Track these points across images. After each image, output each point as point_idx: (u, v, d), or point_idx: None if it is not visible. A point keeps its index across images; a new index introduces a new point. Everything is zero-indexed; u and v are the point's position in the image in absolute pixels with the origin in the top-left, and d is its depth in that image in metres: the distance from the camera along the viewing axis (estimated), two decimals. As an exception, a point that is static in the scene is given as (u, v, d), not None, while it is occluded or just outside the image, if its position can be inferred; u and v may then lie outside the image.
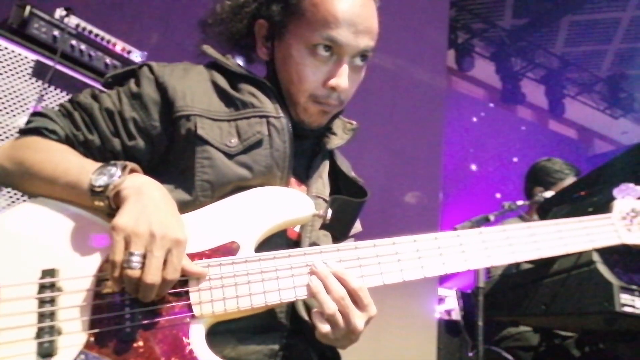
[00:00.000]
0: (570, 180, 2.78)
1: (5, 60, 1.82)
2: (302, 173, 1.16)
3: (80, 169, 0.91)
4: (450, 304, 5.10)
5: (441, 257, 1.00)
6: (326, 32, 1.03)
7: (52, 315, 0.82)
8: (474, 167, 8.49)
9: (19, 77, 1.84)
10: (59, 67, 1.93)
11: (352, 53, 1.07)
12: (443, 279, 5.70)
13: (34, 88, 1.87)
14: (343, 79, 1.06)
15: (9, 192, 1.75)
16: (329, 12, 1.03)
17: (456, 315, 4.25)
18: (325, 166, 1.20)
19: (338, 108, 1.13)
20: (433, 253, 1.00)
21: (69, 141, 1.02)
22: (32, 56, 1.88)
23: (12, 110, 1.82)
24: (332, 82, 1.06)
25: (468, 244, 1.03)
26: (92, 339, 0.82)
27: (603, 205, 1.85)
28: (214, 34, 1.18)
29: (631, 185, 1.31)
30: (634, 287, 1.65)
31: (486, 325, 2.01)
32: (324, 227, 1.08)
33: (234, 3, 1.16)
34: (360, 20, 1.05)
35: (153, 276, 0.81)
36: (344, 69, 1.06)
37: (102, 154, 1.02)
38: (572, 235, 1.13)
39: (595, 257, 1.71)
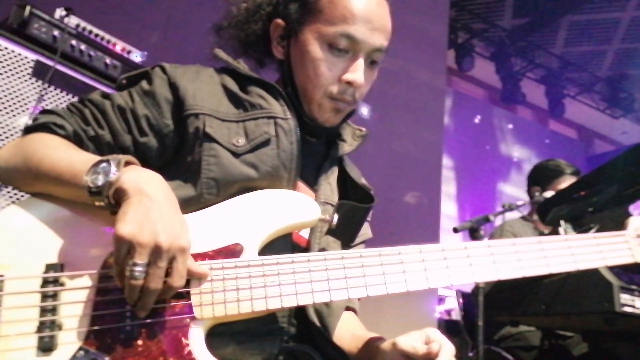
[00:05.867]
0: (567, 177, 2.78)
1: (5, 60, 1.82)
2: (311, 178, 1.16)
3: (72, 168, 0.89)
4: (450, 304, 5.11)
5: (447, 270, 0.98)
6: (343, 28, 1.06)
7: (54, 310, 0.82)
8: (473, 167, 8.48)
9: (19, 77, 1.84)
10: (59, 67, 1.93)
11: (367, 50, 1.09)
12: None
13: (34, 88, 1.87)
14: (359, 74, 1.08)
15: (9, 192, 1.75)
16: (346, 8, 1.06)
17: (456, 315, 4.25)
18: (334, 172, 1.21)
19: (351, 106, 1.15)
20: (439, 265, 0.98)
21: (77, 137, 1.01)
22: (32, 56, 1.88)
23: (12, 110, 1.81)
24: (349, 76, 1.08)
25: (475, 256, 1.01)
26: (92, 335, 0.82)
27: (603, 206, 1.86)
28: (228, 36, 1.20)
29: None
30: (634, 287, 1.64)
31: (486, 325, 2.01)
32: (330, 232, 1.08)
33: (251, 5, 1.18)
34: (376, 18, 1.08)
35: (156, 284, 0.81)
36: (360, 63, 1.08)
37: (112, 150, 1.02)
38: (584, 252, 1.10)
39: (596, 257, 1.71)
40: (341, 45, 1.07)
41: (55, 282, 0.84)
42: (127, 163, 0.89)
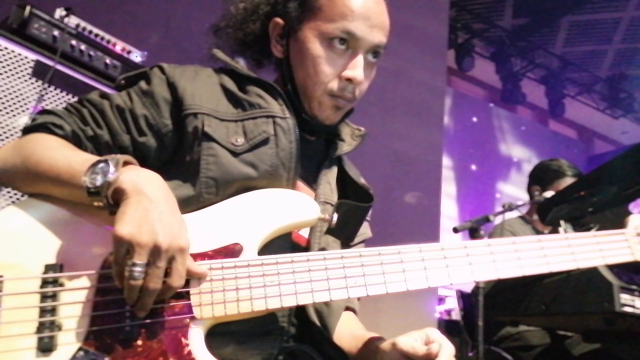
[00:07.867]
0: (568, 180, 2.77)
1: (5, 60, 1.82)
2: (310, 177, 1.17)
3: (70, 168, 0.89)
4: (450, 304, 5.11)
5: (447, 269, 0.98)
6: (342, 25, 1.07)
7: (53, 310, 0.82)
8: (473, 167, 8.49)
9: (19, 77, 1.84)
10: (59, 67, 1.93)
11: (366, 47, 1.09)
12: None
13: (34, 88, 1.87)
14: (359, 71, 1.09)
15: (8, 192, 1.75)
16: (345, 6, 1.07)
17: (456, 315, 4.25)
18: (333, 172, 1.21)
19: (351, 104, 1.15)
20: (439, 264, 0.98)
21: (75, 137, 1.01)
22: (32, 56, 1.88)
23: (12, 110, 1.81)
24: (349, 73, 1.08)
25: (475, 255, 1.01)
26: (91, 335, 0.82)
27: (603, 206, 1.86)
28: (226, 36, 1.20)
29: None
30: (634, 287, 1.64)
31: (486, 325, 2.01)
32: (329, 231, 1.08)
33: (249, 4, 1.18)
34: (374, 15, 1.09)
35: (155, 284, 0.81)
36: (359, 60, 1.09)
37: (110, 150, 1.02)
38: (584, 250, 1.10)
39: (596, 257, 1.71)
40: (340, 42, 1.08)
41: (55, 282, 0.84)
42: (126, 163, 0.89)
